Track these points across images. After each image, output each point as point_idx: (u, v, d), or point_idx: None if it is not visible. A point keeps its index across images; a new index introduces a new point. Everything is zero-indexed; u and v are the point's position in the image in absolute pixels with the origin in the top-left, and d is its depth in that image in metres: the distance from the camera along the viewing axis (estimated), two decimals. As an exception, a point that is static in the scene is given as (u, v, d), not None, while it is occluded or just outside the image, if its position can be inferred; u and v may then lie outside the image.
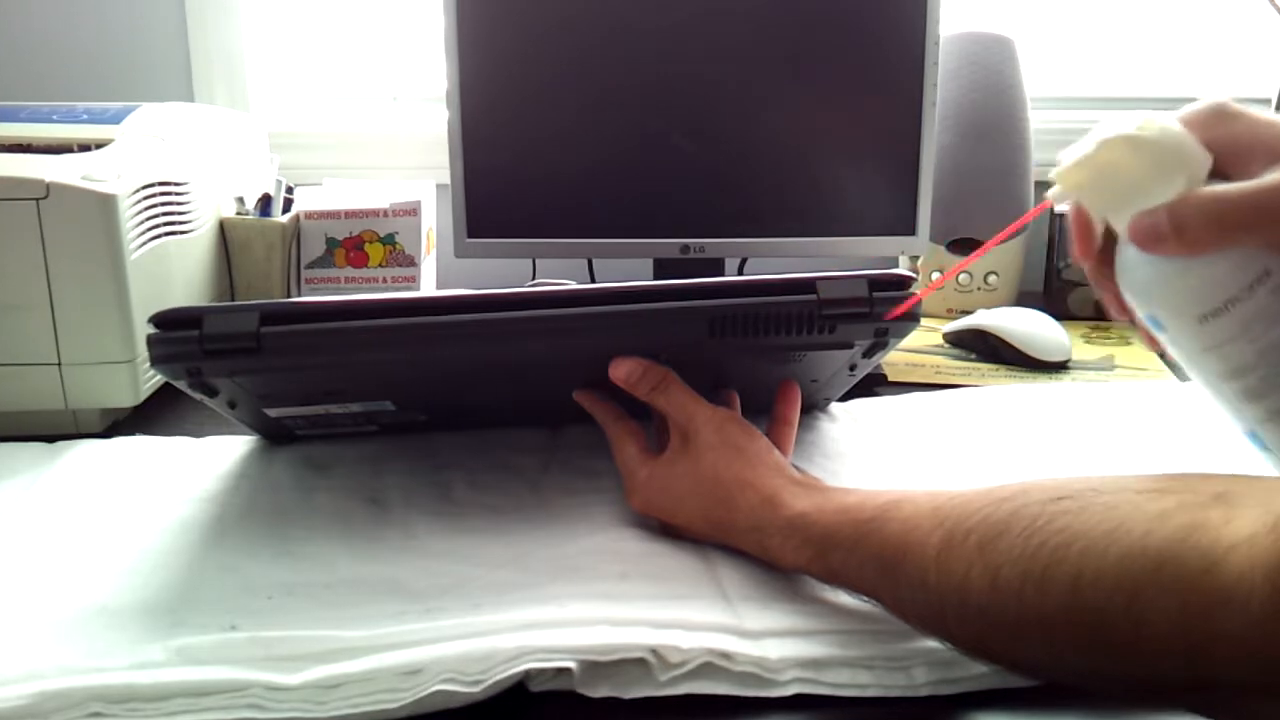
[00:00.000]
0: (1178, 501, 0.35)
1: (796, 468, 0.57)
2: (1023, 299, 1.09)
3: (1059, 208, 1.09)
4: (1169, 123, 0.42)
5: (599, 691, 0.45)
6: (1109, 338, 1.00)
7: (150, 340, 0.54)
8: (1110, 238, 0.45)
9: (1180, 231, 0.40)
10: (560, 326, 0.54)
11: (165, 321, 0.54)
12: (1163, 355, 0.48)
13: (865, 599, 0.48)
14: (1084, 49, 1.29)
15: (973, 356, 0.94)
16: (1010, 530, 0.38)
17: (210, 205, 0.88)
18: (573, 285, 1.00)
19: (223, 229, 0.90)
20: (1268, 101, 1.07)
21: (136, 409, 0.76)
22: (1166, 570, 0.33)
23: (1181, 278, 0.42)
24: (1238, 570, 0.31)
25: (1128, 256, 0.43)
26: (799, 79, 0.91)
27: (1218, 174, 0.41)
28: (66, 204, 0.68)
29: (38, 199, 0.68)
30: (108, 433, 0.74)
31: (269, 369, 0.55)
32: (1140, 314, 0.45)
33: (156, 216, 0.76)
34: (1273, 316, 0.41)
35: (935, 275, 1.10)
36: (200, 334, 0.53)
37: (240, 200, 0.93)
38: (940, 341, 0.98)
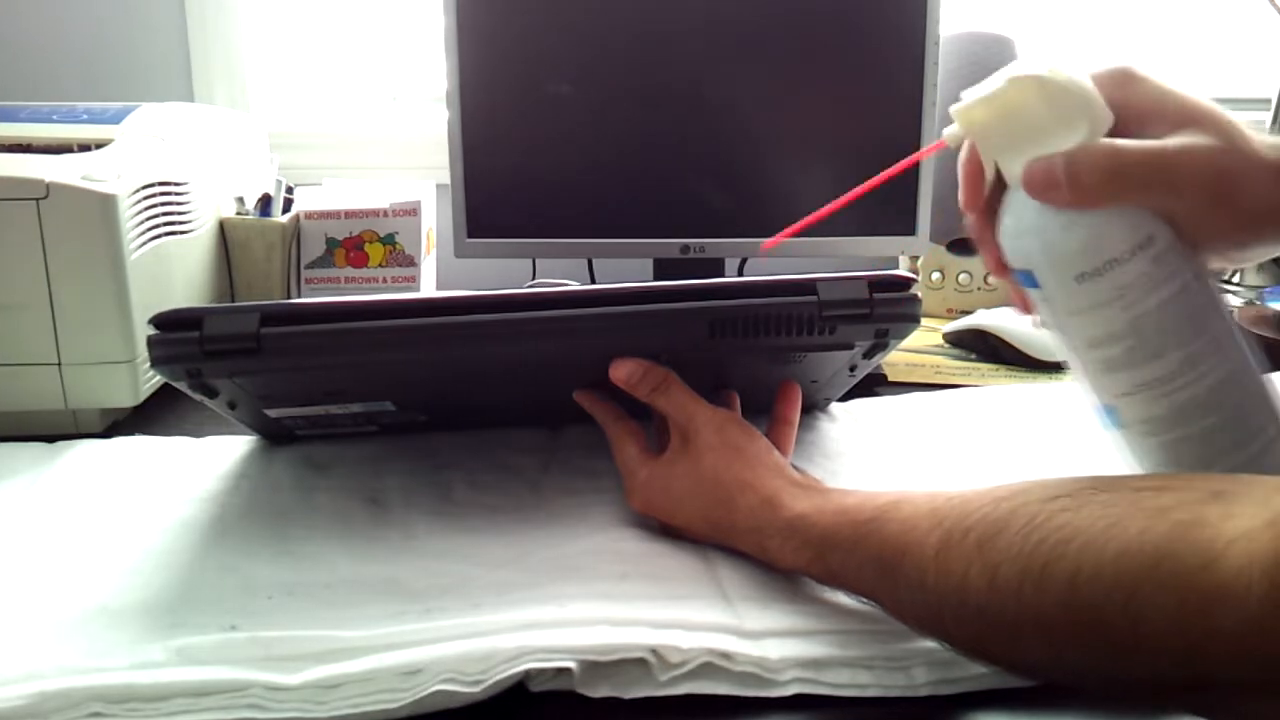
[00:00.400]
0: (1176, 499, 0.35)
1: (796, 468, 0.57)
2: (1023, 299, 1.09)
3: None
4: (1077, 73, 0.41)
5: (599, 691, 0.45)
6: (1109, 338, 1.00)
7: (150, 341, 0.54)
8: (998, 190, 0.44)
9: (1074, 180, 0.40)
10: (561, 328, 0.54)
11: (165, 322, 0.54)
12: (1035, 365, 0.47)
13: (864, 600, 0.48)
14: (1084, 49, 1.29)
15: (973, 356, 0.94)
16: (1009, 528, 0.38)
17: (210, 205, 0.88)
18: (573, 285, 1.00)
19: (223, 229, 0.90)
20: (1267, 102, 1.07)
21: (136, 409, 0.76)
22: (1164, 566, 0.33)
23: (1065, 233, 0.41)
24: (1235, 566, 0.31)
25: (1014, 207, 0.43)
26: (799, 79, 0.91)
27: (1116, 135, 0.41)
28: (66, 204, 0.68)
29: (38, 199, 0.68)
30: (108, 433, 0.74)
31: (269, 370, 0.55)
32: (1017, 270, 0.44)
33: (156, 216, 0.76)
34: (1150, 285, 0.41)
35: (935, 276, 1.10)
36: (200, 335, 0.53)
37: (240, 200, 0.93)
38: (940, 341, 0.98)
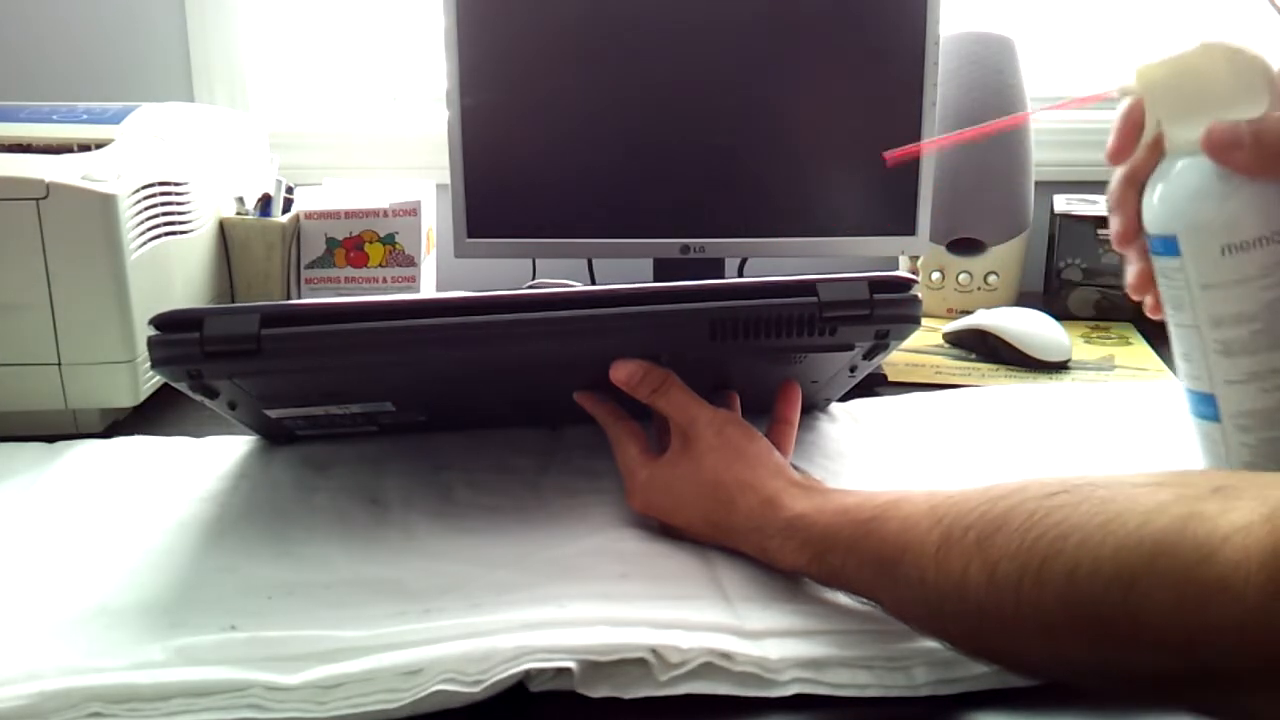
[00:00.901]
0: (1174, 494, 0.35)
1: (797, 468, 0.57)
2: (1023, 299, 1.09)
3: (1058, 200, 1.09)
4: (1261, 52, 0.42)
5: (599, 691, 0.45)
6: (1109, 338, 1.00)
7: (151, 342, 0.54)
8: (1151, 156, 0.44)
9: (1259, 145, 0.40)
10: (561, 329, 0.54)
11: (166, 323, 0.54)
12: (1147, 307, 0.47)
13: (864, 601, 0.48)
14: (1084, 49, 1.29)
15: (973, 356, 0.94)
16: (1008, 525, 0.38)
17: (210, 205, 0.88)
18: (573, 286, 1.00)
19: (223, 229, 0.90)
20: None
21: (136, 409, 0.76)
22: (1162, 561, 0.33)
23: (1224, 201, 0.41)
24: (1233, 560, 0.31)
25: (1173, 170, 0.43)
26: (799, 78, 0.91)
27: None
28: (66, 204, 0.68)
29: (38, 199, 0.68)
30: (108, 433, 0.74)
31: (270, 371, 0.55)
32: (1156, 237, 0.44)
33: (156, 216, 0.76)
34: None
35: (935, 276, 1.10)
36: (201, 336, 0.53)
37: (240, 200, 0.93)
38: (940, 341, 0.98)
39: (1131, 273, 0.47)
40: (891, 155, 0.51)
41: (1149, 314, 0.48)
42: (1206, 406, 0.44)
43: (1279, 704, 0.31)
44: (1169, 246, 0.43)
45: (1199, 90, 0.42)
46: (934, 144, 0.47)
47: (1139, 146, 0.44)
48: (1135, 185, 0.45)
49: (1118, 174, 0.46)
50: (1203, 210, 0.42)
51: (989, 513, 0.39)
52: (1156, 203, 0.43)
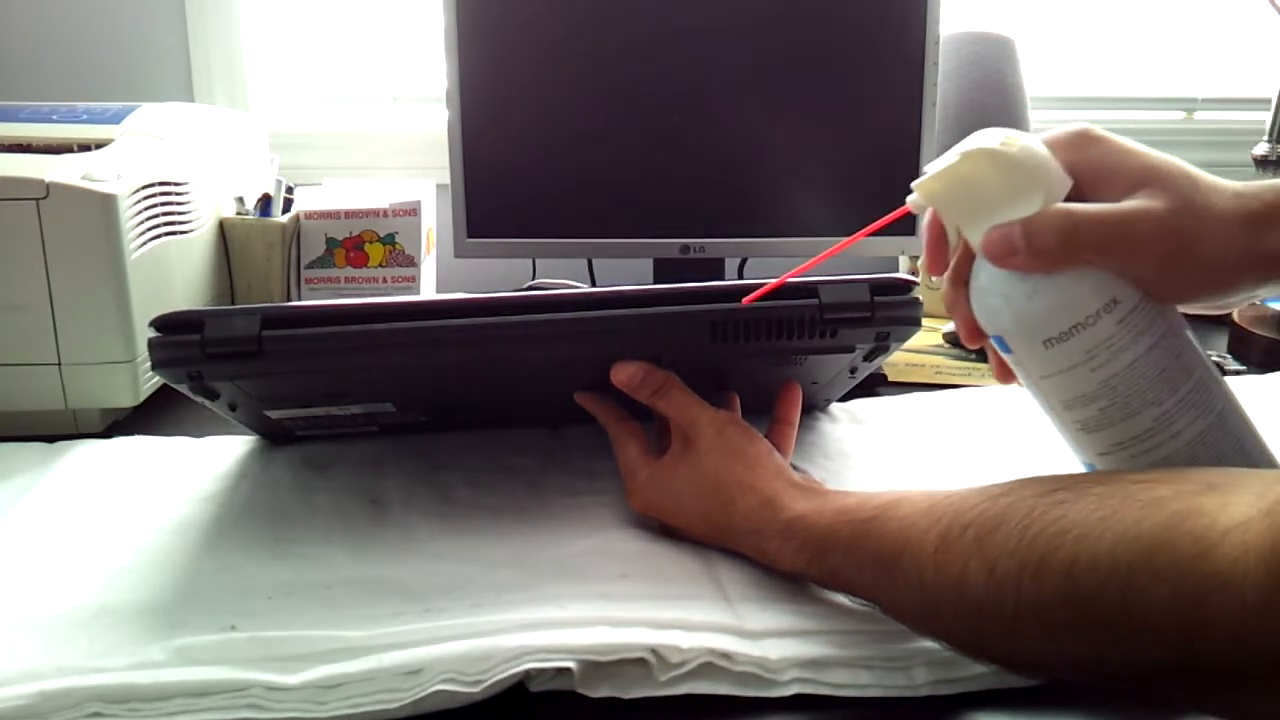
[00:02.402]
0: (1172, 490, 0.35)
1: (796, 468, 0.57)
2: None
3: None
4: (1032, 141, 0.42)
5: (599, 691, 0.45)
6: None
7: (151, 344, 0.54)
8: (965, 258, 0.45)
9: (1032, 245, 0.41)
10: (562, 331, 0.54)
11: (166, 325, 0.54)
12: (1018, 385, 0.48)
13: (863, 602, 0.48)
14: (1084, 49, 1.29)
15: (972, 356, 0.94)
16: (1006, 523, 0.38)
17: (210, 205, 0.88)
18: (573, 286, 1.00)
19: (223, 229, 0.90)
20: (1267, 102, 1.07)
21: (136, 409, 0.76)
22: (1160, 555, 0.33)
23: (1030, 299, 0.42)
24: (1231, 555, 0.31)
25: (981, 274, 0.44)
26: (799, 79, 0.91)
27: (1076, 198, 0.42)
28: (66, 204, 0.68)
29: (38, 199, 0.68)
30: (108, 433, 0.74)
31: (270, 373, 0.55)
32: (989, 334, 0.45)
33: (156, 216, 0.76)
34: (1118, 346, 0.41)
35: (935, 279, 1.10)
36: (201, 338, 0.53)
37: (240, 200, 0.93)
38: (940, 341, 0.98)
39: (992, 365, 0.47)
40: (749, 299, 0.52)
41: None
42: None
43: (1276, 699, 0.31)
44: (1001, 344, 0.45)
45: (974, 197, 0.42)
46: (784, 279, 0.49)
47: (952, 252, 0.45)
48: (962, 285, 0.45)
49: (944, 280, 0.46)
50: (1013, 312, 0.43)
51: (987, 511, 0.39)
52: (976, 306, 0.45)
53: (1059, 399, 0.44)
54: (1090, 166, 0.42)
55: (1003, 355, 0.45)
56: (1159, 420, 0.42)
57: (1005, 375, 0.47)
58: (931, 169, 0.43)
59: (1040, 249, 0.41)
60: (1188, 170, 0.42)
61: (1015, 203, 0.41)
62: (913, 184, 0.44)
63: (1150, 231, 0.40)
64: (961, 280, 0.45)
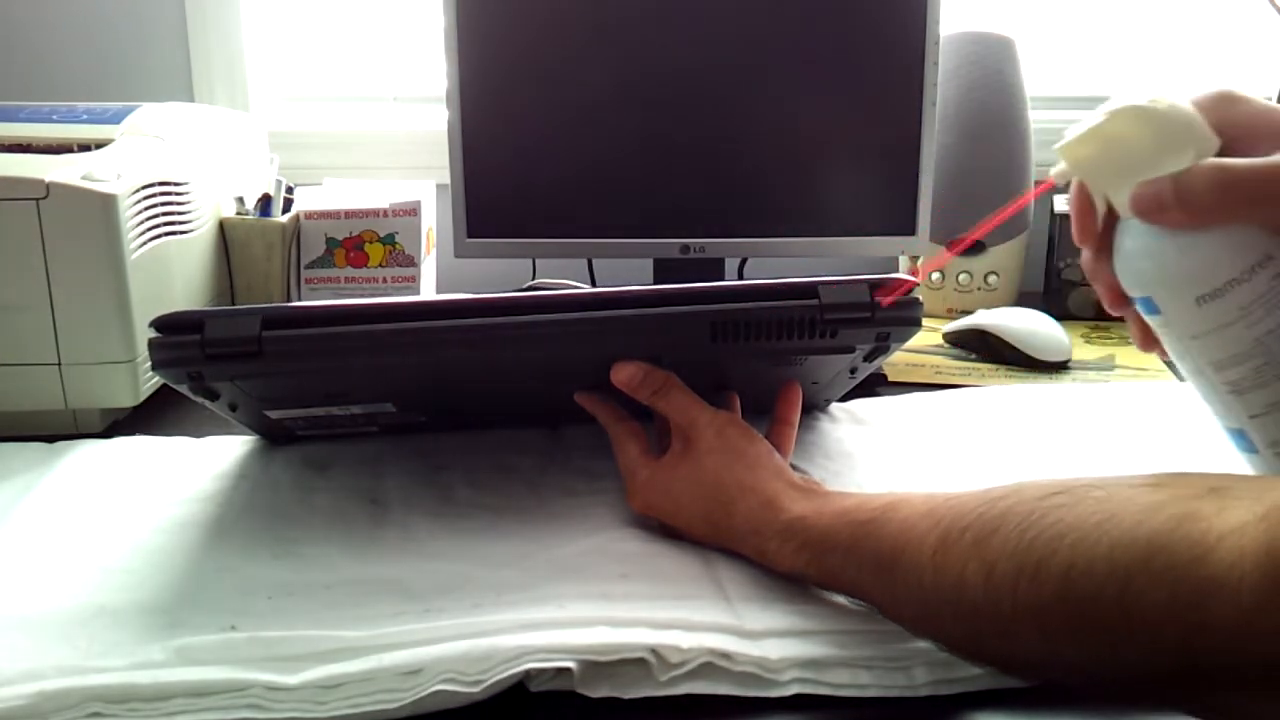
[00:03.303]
0: (1170, 494, 0.35)
1: (796, 468, 0.57)
2: (1023, 299, 1.09)
3: (1058, 200, 1.09)
4: (1179, 98, 0.42)
5: (599, 691, 0.45)
6: (1109, 338, 1.00)
7: (152, 344, 0.54)
8: (1110, 223, 0.44)
9: (1185, 200, 0.40)
10: (562, 331, 0.54)
11: (166, 325, 0.54)
12: (1161, 357, 0.47)
13: (861, 603, 0.48)
14: (1084, 49, 1.29)
15: (973, 356, 0.94)
16: (1005, 526, 0.38)
17: (210, 205, 0.88)
18: (573, 285, 1.00)
19: (223, 229, 0.90)
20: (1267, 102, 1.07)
21: (136, 409, 0.76)
22: (1157, 559, 0.33)
23: (1182, 255, 0.41)
24: (1228, 559, 0.31)
25: (1128, 234, 0.43)
26: (799, 79, 0.91)
27: (1223, 156, 0.41)
28: (66, 204, 0.68)
29: (38, 199, 0.68)
30: (108, 433, 0.74)
31: (271, 373, 0.55)
32: (1136, 299, 0.44)
33: (156, 216, 0.76)
34: (1272, 302, 0.41)
35: (935, 276, 1.10)
36: (202, 338, 0.53)
37: (240, 200, 0.93)
38: (940, 341, 0.98)
39: (1134, 333, 0.47)
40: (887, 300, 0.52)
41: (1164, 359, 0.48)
42: (1241, 440, 0.45)
43: (1273, 704, 0.31)
44: (1149, 306, 0.44)
45: (1122, 156, 0.42)
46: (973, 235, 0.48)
47: (1098, 219, 0.45)
48: (1104, 252, 0.45)
49: (1087, 248, 0.46)
50: (1164, 270, 0.42)
51: (986, 514, 0.39)
52: (1123, 268, 0.44)
53: (1210, 359, 0.43)
54: (1236, 125, 0.42)
55: (1149, 319, 0.44)
56: None
57: (1148, 342, 0.46)
58: (1075, 132, 0.42)
59: (1194, 202, 0.40)
60: None
61: (1164, 160, 0.41)
62: (1056, 148, 0.43)
63: None
64: (1104, 248, 0.45)
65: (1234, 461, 0.45)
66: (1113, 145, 0.42)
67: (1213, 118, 0.42)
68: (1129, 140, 0.41)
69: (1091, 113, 0.42)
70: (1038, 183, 0.46)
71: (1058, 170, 0.44)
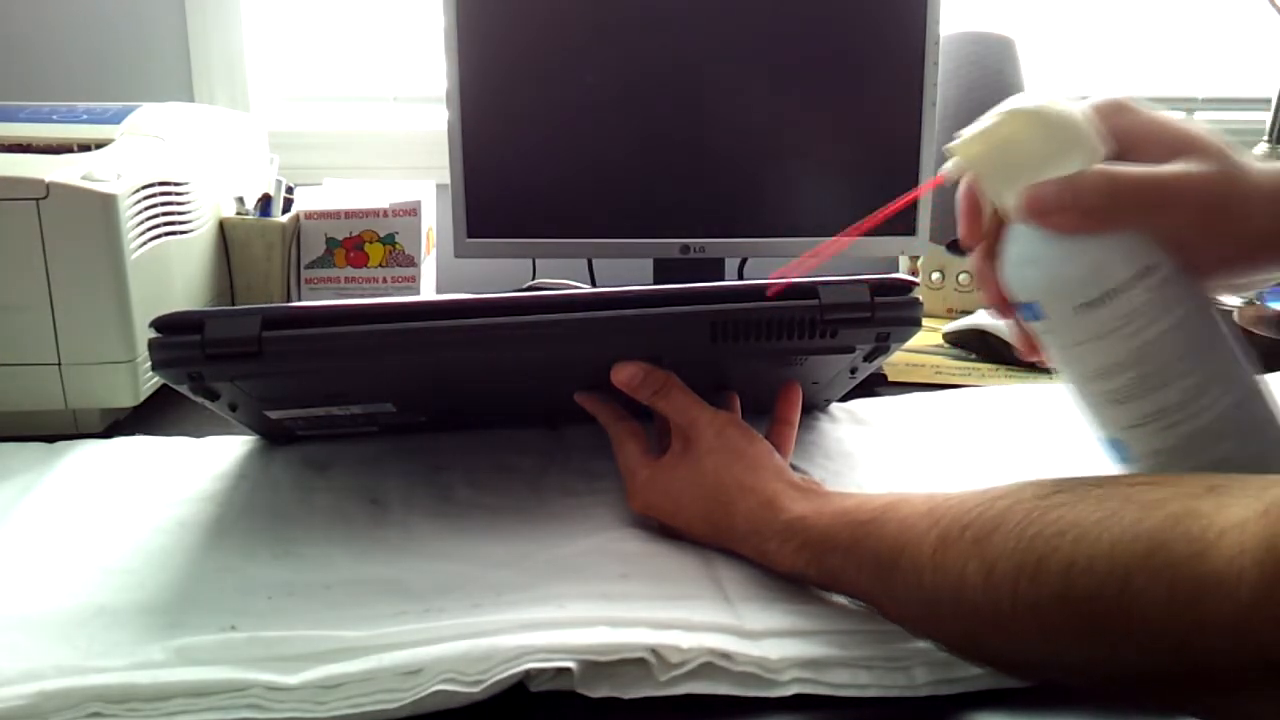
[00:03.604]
0: (1170, 492, 0.35)
1: (796, 468, 0.57)
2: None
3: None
4: (1071, 104, 0.42)
5: (599, 691, 0.45)
6: (1109, 338, 1.00)
7: (152, 345, 0.54)
8: (999, 228, 0.44)
9: (1075, 203, 0.40)
10: (563, 332, 0.54)
11: (166, 325, 0.54)
12: (1043, 365, 0.47)
13: (861, 603, 0.48)
14: (1084, 49, 1.29)
15: (973, 356, 0.94)
16: (1005, 525, 0.38)
17: (210, 205, 0.88)
18: (573, 285, 1.00)
19: (223, 229, 0.90)
20: (1267, 102, 1.07)
21: (136, 409, 0.76)
22: (1157, 556, 0.33)
23: (1066, 262, 0.41)
24: (1227, 556, 0.31)
25: (1015, 240, 0.43)
26: (799, 79, 0.91)
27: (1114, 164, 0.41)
28: (66, 204, 0.68)
29: (38, 199, 0.68)
30: (108, 433, 0.74)
31: (271, 373, 0.55)
32: (1020, 304, 0.44)
33: (156, 216, 0.76)
34: (1152, 313, 0.41)
35: (935, 276, 1.10)
36: (202, 339, 0.53)
37: (240, 200, 0.93)
38: (940, 341, 0.98)
39: (1018, 339, 0.47)
40: (773, 289, 0.52)
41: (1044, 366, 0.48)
42: (1118, 451, 0.45)
43: (1272, 701, 0.31)
44: (1032, 312, 0.44)
45: (1015, 158, 0.42)
46: (817, 253, 0.49)
47: (985, 220, 0.45)
48: (991, 256, 0.45)
49: (975, 252, 0.46)
50: (1047, 276, 0.42)
51: (986, 513, 0.39)
52: (1007, 274, 0.44)
53: (1090, 368, 0.43)
54: (1127, 133, 0.42)
55: (1032, 326, 0.45)
56: (1189, 392, 0.42)
57: (1031, 349, 0.46)
58: (969, 131, 0.43)
59: (1080, 206, 0.40)
60: (1222, 141, 0.42)
61: (1054, 164, 0.41)
62: (948, 146, 0.43)
63: (1190, 195, 0.40)
64: (992, 252, 0.45)
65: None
66: (1004, 146, 0.42)
67: (1105, 125, 0.42)
68: (1020, 142, 0.42)
69: (987, 114, 0.43)
70: (932, 180, 0.46)
71: (948, 167, 0.44)
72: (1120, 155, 0.42)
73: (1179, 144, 0.41)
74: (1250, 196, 0.40)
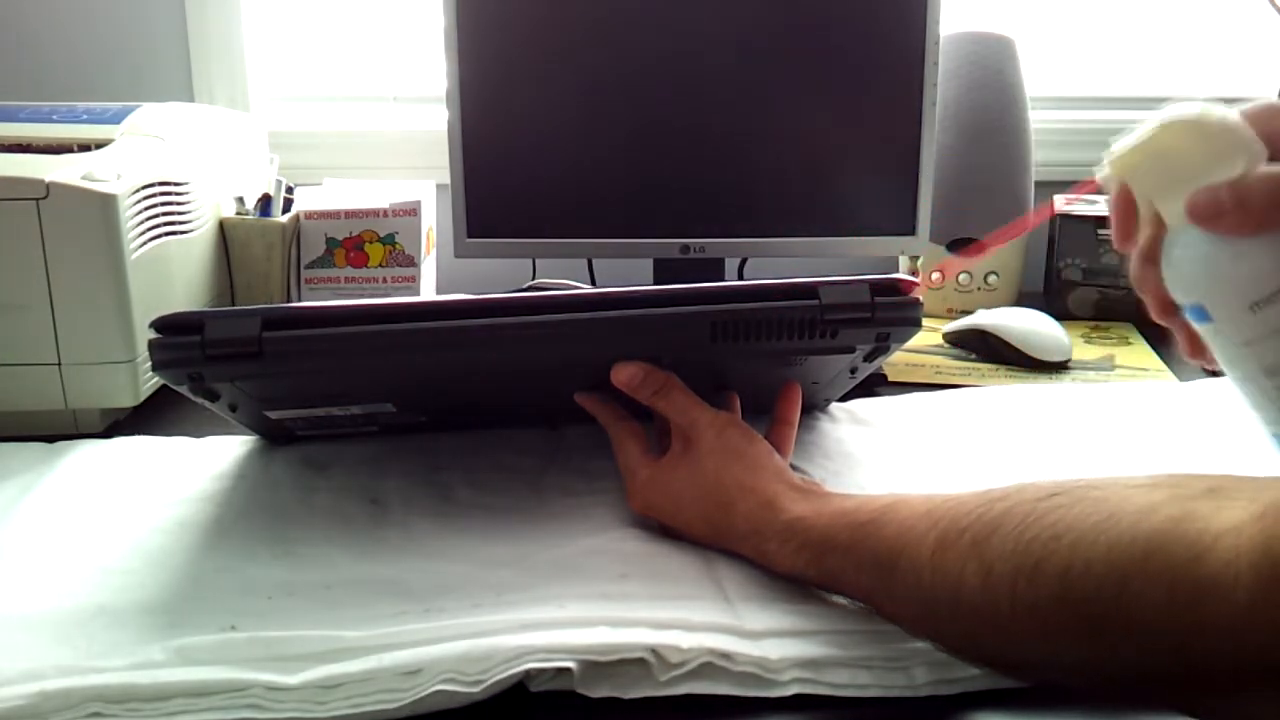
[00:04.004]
0: (1168, 494, 0.35)
1: (796, 468, 0.57)
2: (1023, 299, 1.09)
3: (1058, 200, 1.09)
4: (1225, 110, 0.42)
5: (599, 691, 0.45)
6: (1109, 338, 1.00)
7: (152, 345, 0.54)
8: (1157, 234, 0.44)
9: (1242, 206, 0.40)
10: (563, 332, 0.54)
11: (167, 326, 0.54)
12: (1204, 365, 0.47)
13: (860, 604, 0.48)
14: (1084, 49, 1.29)
15: (973, 356, 0.94)
16: (1003, 527, 0.38)
17: (210, 205, 0.88)
18: (573, 285, 1.00)
19: (223, 229, 0.90)
20: (1268, 102, 1.07)
21: (136, 409, 0.76)
22: (1154, 559, 0.33)
23: (1235, 262, 0.41)
24: (1224, 559, 0.31)
25: (1179, 243, 0.43)
26: (799, 79, 0.91)
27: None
28: (66, 204, 0.68)
29: (38, 199, 0.68)
30: (108, 433, 0.74)
31: (271, 374, 0.55)
32: (1186, 306, 0.44)
33: (156, 216, 0.76)
34: None
35: (935, 276, 1.10)
36: (202, 339, 0.53)
37: (240, 200, 0.93)
38: (940, 341, 0.98)
39: (1181, 341, 0.47)
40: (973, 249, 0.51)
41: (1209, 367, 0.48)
42: None
43: (1270, 702, 0.31)
44: (1200, 314, 0.44)
45: (1173, 167, 0.42)
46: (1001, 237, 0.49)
47: (1140, 224, 0.45)
48: (1151, 262, 0.45)
49: (1133, 255, 0.46)
50: (1217, 277, 0.42)
51: (985, 515, 0.39)
52: (1173, 276, 0.44)
53: (1263, 365, 0.43)
54: None
55: (1199, 326, 0.45)
56: None
57: (1196, 350, 0.46)
58: (1127, 143, 0.43)
59: (1250, 209, 0.40)
60: None
61: (1215, 170, 0.41)
62: (1106, 158, 0.44)
63: None
64: (1152, 257, 0.45)
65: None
66: (1164, 157, 0.42)
67: (1259, 128, 0.42)
68: (1180, 152, 0.42)
69: (1139, 126, 0.43)
70: (1080, 184, 0.46)
71: (1104, 176, 0.44)
72: (1275, 158, 0.42)
73: None
74: None
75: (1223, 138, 0.41)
